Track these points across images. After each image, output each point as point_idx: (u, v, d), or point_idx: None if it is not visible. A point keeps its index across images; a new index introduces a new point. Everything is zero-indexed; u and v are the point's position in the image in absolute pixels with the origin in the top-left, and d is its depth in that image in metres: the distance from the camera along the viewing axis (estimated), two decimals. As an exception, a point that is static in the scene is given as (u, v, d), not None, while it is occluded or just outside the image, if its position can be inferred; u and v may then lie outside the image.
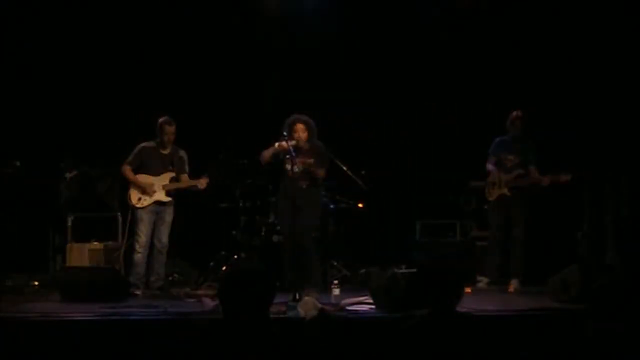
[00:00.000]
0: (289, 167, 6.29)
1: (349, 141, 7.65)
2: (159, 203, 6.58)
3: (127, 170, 6.58)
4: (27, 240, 7.52)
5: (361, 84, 8.11)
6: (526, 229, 6.72)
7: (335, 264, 7.27)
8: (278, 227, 6.96)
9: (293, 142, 6.20)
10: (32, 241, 7.57)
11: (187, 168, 6.72)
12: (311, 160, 6.32)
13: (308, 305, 5.01)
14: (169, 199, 6.62)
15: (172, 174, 6.66)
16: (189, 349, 2.94)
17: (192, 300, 6.03)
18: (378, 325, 4.81)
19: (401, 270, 5.56)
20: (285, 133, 6.24)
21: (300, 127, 6.30)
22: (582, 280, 5.55)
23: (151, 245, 6.57)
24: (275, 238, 7.03)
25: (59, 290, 6.04)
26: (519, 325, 4.87)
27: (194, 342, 2.92)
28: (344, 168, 6.57)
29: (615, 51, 7.17)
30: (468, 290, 5.59)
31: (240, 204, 7.41)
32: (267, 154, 6.32)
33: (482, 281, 6.81)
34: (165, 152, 6.65)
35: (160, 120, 6.59)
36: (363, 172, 6.91)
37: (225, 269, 6.84)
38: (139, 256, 6.51)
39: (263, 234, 7.17)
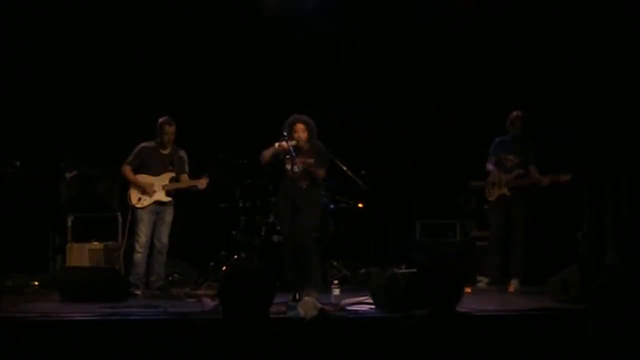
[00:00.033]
0: (289, 167, 6.30)
1: (349, 141, 7.65)
2: (159, 203, 6.58)
3: (127, 170, 6.59)
4: (27, 240, 7.52)
5: (361, 84, 8.11)
6: (526, 229, 6.72)
7: (335, 264, 7.27)
8: (278, 227, 6.96)
9: (293, 142, 6.20)
10: (32, 241, 7.57)
11: (187, 168, 6.72)
12: (311, 160, 6.33)
13: (308, 305, 5.01)
14: (169, 199, 6.62)
15: (172, 174, 6.66)
16: (189, 349, 2.94)
17: (192, 300, 6.03)
18: (378, 325, 4.81)
19: (401, 270, 5.56)
20: (285, 133, 6.24)
21: (300, 127, 6.30)
22: (582, 280, 5.55)
23: (151, 245, 6.57)
24: (275, 238, 7.03)
25: (59, 290, 6.04)
26: (519, 325, 4.87)
27: (194, 342, 2.92)
28: (344, 168, 6.57)
29: (615, 51, 7.17)
30: (468, 290, 5.59)
31: (240, 204, 7.40)
32: (267, 154, 6.33)
33: (482, 281, 6.81)
34: (165, 152, 6.65)
35: (160, 120, 6.59)
36: (363, 172, 6.91)
37: (225, 269, 6.84)
38: (139, 256, 6.51)
39: (263, 234, 7.17)
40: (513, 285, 6.61)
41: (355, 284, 6.84)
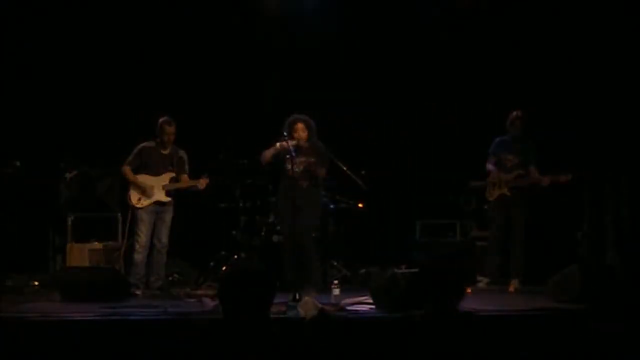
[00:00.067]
0: (289, 166, 6.29)
1: (349, 141, 7.65)
2: (158, 203, 6.58)
3: (127, 170, 6.58)
4: (27, 240, 7.52)
5: (361, 84, 8.11)
6: (526, 229, 6.72)
7: (335, 264, 7.27)
8: (278, 227, 6.96)
9: (294, 142, 6.20)
10: (32, 241, 7.57)
11: (187, 168, 6.72)
12: (312, 160, 6.33)
13: (308, 305, 5.01)
14: (169, 199, 6.62)
15: (172, 174, 6.66)
16: (189, 349, 2.94)
17: (192, 300, 6.03)
18: (378, 325, 4.81)
19: (401, 270, 5.56)
20: (285, 133, 6.24)
21: (300, 126, 6.30)
22: (582, 280, 5.55)
23: (151, 245, 6.57)
24: (275, 238, 7.03)
25: (59, 290, 6.04)
26: (519, 325, 4.86)
27: (194, 342, 2.92)
28: (344, 168, 6.57)
29: (615, 51, 7.17)
30: (468, 290, 5.58)
31: (240, 204, 7.41)
32: (268, 154, 6.32)
33: (482, 281, 6.81)
34: (165, 152, 6.65)
35: (160, 120, 6.59)
36: (363, 172, 6.91)
37: (225, 269, 6.84)
38: (139, 256, 6.51)
39: (263, 234, 7.17)
40: (513, 285, 6.61)
41: (355, 284, 6.85)
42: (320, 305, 5.04)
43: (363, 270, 7.12)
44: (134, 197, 6.55)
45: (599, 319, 4.88)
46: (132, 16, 7.80)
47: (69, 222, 7.41)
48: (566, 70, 7.50)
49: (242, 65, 8.08)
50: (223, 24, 7.99)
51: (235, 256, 7.12)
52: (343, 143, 7.05)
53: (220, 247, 7.32)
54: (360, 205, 7.61)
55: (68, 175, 7.62)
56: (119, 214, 7.30)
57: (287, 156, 6.23)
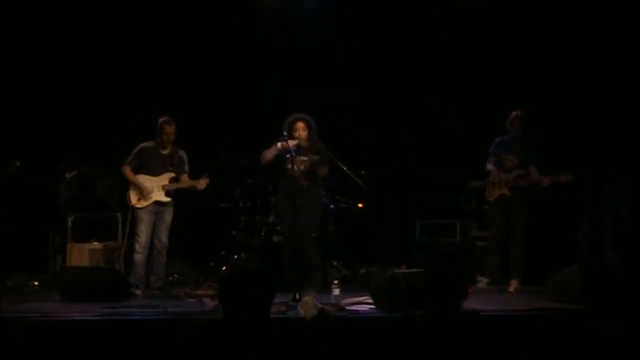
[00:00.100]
0: (289, 166, 6.29)
1: (349, 141, 7.65)
2: (158, 203, 6.58)
3: (127, 170, 6.58)
4: (27, 240, 7.52)
5: (361, 84, 8.11)
6: (526, 229, 6.72)
7: (335, 264, 7.27)
8: (278, 227, 6.96)
9: (295, 142, 6.19)
10: (32, 241, 7.57)
11: (187, 168, 6.72)
12: (316, 158, 6.31)
13: (308, 305, 5.01)
14: (169, 199, 6.61)
15: (172, 174, 6.65)
16: (189, 349, 2.94)
17: (192, 300, 6.03)
18: (378, 325, 4.81)
19: (401, 270, 5.56)
20: (285, 133, 6.24)
21: (300, 125, 6.30)
22: (582, 280, 5.55)
23: (151, 246, 6.57)
24: (275, 238, 7.04)
25: (59, 290, 6.04)
26: (519, 325, 4.87)
27: (194, 342, 2.92)
28: (344, 168, 6.57)
29: (615, 51, 7.17)
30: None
31: (240, 204, 7.41)
32: (269, 154, 6.31)
33: (482, 281, 6.80)
34: (165, 152, 6.65)
35: (160, 120, 6.59)
36: (363, 172, 6.90)
37: (225, 269, 6.84)
38: (139, 256, 6.51)
39: (263, 234, 7.17)
40: (513, 285, 6.61)
41: (355, 284, 6.84)
42: (320, 305, 5.04)
43: (363, 270, 7.11)
44: (133, 197, 6.55)
45: (599, 319, 4.88)
46: (132, 16, 7.80)
47: (69, 222, 7.41)
48: (566, 70, 7.50)
49: (242, 65, 8.08)
50: (223, 24, 7.99)
51: (235, 256, 7.12)
52: (343, 143, 7.05)
53: (220, 247, 7.32)
54: (360, 205, 7.61)
55: (68, 175, 7.62)
56: (119, 214, 7.30)
57: (288, 156, 6.23)
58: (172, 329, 4.68)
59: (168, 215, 6.62)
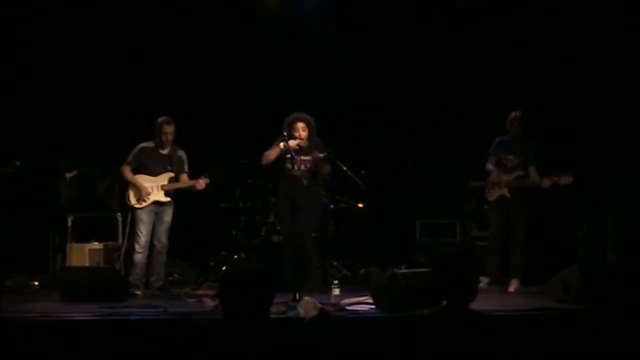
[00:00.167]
0: (289, 166, 6.30)
1: (349, 141, 7.65)
2: (157, 203, 6.58)
3: (127, 170, 6.58)
4: (27, 240, 7.52)
5: (361, 84, 8.11)
6: (526, 229, 6.71)
7: (335, 264, 7.27)
8: (278, 227, 6.96)
9: (297, 142, 6.19)
10: (32, 241, 7.58)
11: (186, 168, 6.71)
12: (321, 155, 6.29)
13: (308, 305, 5.01)
14: (168, 199, 6.61)
15: (171, 174, 6.65)
16: (189, 349, 2.94)
17: (192, 300, 6.03)
18: (378, 325, 4.81)
19: (401, 270, 5.56)
20: (285, 133, 6.23)
21: (300, 125, 6.30)
22: (582, 280, 5.55)
23: (151, 246, 6.57)
24: (275, 238, 7.04)
25: (59, 290, 6.04)
26: (519, 325, 4.87)
27: (194, 342, 2.92)
28: (344, 168, 6.57)
29: (615, 51, 7.17)
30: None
31: (240, 204, 7.41)
32: (271, 154, 6.29)
33: (482, 281, 6.79)
34: (165, 152, 6.64)
35: (159, 120, 6.59)
36: (363, 172, 6.91)
37: (225, 269, 6.84)
38: (139, 256, 6.50)
39: (263, 234, 7.17)
40: (513, 285, 6.61)
41: (355, 284, 6.84)
42: (320, 305, 5.04)
43: (363, 270, 7.12)
44: (132, 197, 6.55)
45: (599, 319, 4.88)
46: (132, 16, 7.80)
47: (69, 222, 7.41)
48: (566, 70, 7.49)
49: (242, 65, 8.08)
50: (223, 24, 7.99)
51: (235, 256, 7.12)
52: (343, 143, 7.05)
53: (220, 247, 7.32)
54: (360, 205, 7.61)
55: (68, 175, 7.62)
56: (119, 214, 7.31)
57: (288, 156, 6.23)
58: (172, 329, 4.68)
59: (167, 216, 6.61)
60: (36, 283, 6.86)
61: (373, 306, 5.35)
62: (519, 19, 7.66)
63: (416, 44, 8.04)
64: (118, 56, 7.93)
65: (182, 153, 6.71)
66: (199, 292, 6.51)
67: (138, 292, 6.35)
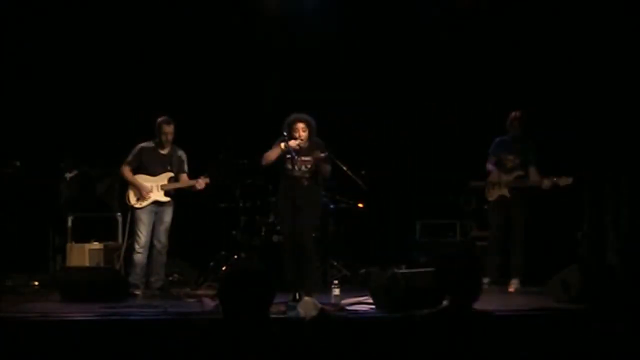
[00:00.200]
0: (289, 166, 6.30)
1: (349, 141, 7.65)
2: (157, 203, 6.58)
3: (126, 170, 6.58)
4: (27, 240, 7.52)
5: (361, 84, 8.11)
6: (526, 229, 6.71)
7: (335, 264, 7.27)
8: (278, 227, 6.96)
9: (297, 142, 6.18)
10: (32, 241, 7.58)
11: (186, 168, 6.71)
12: (322, 155, 6.28)
13: (308, 305, 5.01)
14: (168, 199, 6.61)
15: (171, 174, 6.65)
16: (189, 349, 2.94)
17: (192, 300, 6.03)
18: (378, 325, 4.81)
19: (401, 270, 5.56)
20: (285, 133, 6.23)
21: (300, 125, 6.29)
22: (582, 280, 5.55)
23: (151, 246, 6.57)
24: (275, 238, 7.04)
25: (59, 290, 6.04)
26: (519, 325, 4.87)
27: (194, 342, 2.92)
28: (344, 168, 6.58)
29: (615, 51, 7.17)
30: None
31: (240, 204, 7.41)
32: (272, 155, 6.27)
33: (483, 281, 6.79)
34: (164, 152, 6.64)
35: (159, 120, 6.59)
36: (363, 172, 6.91)
37: (225, 269, 6.84)
38: (139, 256, 6.50)
39: (263, 234, 7.17)
40: (513, 285, 6.61)
41: (355, 284, 6.85)
42: (320, 305, 5.04)
43: (363, 270, 7.12)
44: (132, 197, 6.55)
45: (599, 319, 4.88)
46: (132, 16, 7.80)
47: (69, 222, 7.42)
48: (566, 70, 7.49)
49: (242, 65, 8.08)
50: (223, 24, 7.99)
51: (235, 256, 7.12)
52: (343, 143, 7.05)
53: (220, 247, 7.32)
54: (360, 205, 7.61)
55: (68, 175, 7.62)
56: (119, 214, 7.31)
57: (288, 156, 6.23)
58: (172, 329, 4.67)
59: (167, 216, 6.61)
60: (36, 283, 6.86)
61: (373, 306, 5.35)
62: (519, 19, 7.66)
63: (416, 44, 8.04)
64: (118, 56, 7.94)
65: (181, 153, 6.71)
66: (199, 292, 6.51)
67: (138, 292, 6.35)
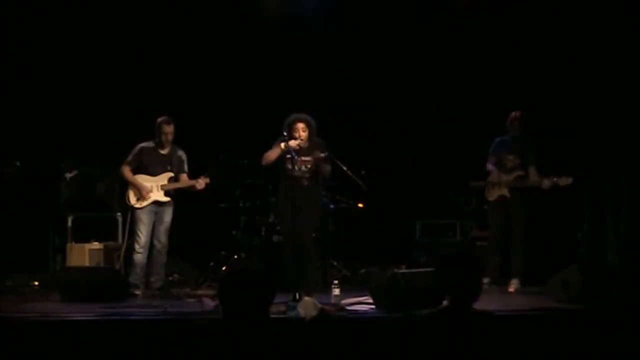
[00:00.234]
0: (289, 166, 6.30)
1: (349, 141, 7.65)
2: (157, 203, 6.58)
3: (126, 170, 6.58)
4: (27, 240, 7.52)
5: (361, 84, 8.11)
6: (526, 229, 6.71)
7: (335, 264, 7.27)
8: (278, 227, 6.96)
9: (297, 142, 6.18)
10: (32, 241, 7.58)
11: (186, 168, 6.71)
12: (322, 155, 6.28)
13: (308, 305, 5.01)
14: (168, 199, 6.61)
15: (171, 174, 6.65)
16: (189, 349, 2.94)
17: (192, 300, 6.03)
18: (378, 325, 4.81)
19: (401, 270, 5.56)
20: (285, 133, 6.23)
21: (300, 126, 6.28)
22: (582, 280, 5.55)
23: (151, 246, 6.57)
24: (275, 238, 7.04)
25: (59, 290, 6.04)
26: (519, 325, 4.87)
27: (194, 342, 2.92)
28: (344, 168, 6.58)
29: (615, 51, 7.17)
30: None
31: (240, 204, 7.41)
32: (272, 155, 6.27)
33: (483, 281, 6.79)
34: (164, 152, 6.64)
35: (159, 120, 6.59)
36: (363, 172, 6.91)
37: (225, 269, 6.84)
38: (139, 256, 6.50)
39: (263, 234, 7.17)
40: (513, 285, 6.61)
41: (355, 284, 6.85)
42: (320, 305, 5.04)
43: (363, 270, 7.12)
44: (132, 197, 6.55)
45: (599, 319, 4.88)
46: (132, 16, 7.80)
47: (69, 222, 7.42)
48: (566, 70, 7.49)
49: (242, 65, 8.08)
50: (223, 24, 7.99)
51: (235, 256, 7.12)
52: (343, 143, 7.05)
53: (220, 247, 7.32)
54: (360, 205, 7.61)
55: (68, 175, 7.62)
56: (119, 214, 7.31)
57: (288, 156, 6.23)
58: (172, 329, 4.67)
59: (167, 216, 6.61)
60: (36, 283, 6.86)
61: (373, 306, 5.35)
62: (519, 19, 7.66)
63: (416, 44, 8.04)
64: (118, 56, 7.94)
65: (181, 153, 6.71)
66: (199, 292, 6.51)
67: (138, 292, 6.35)
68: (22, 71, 7.74)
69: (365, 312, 5.27)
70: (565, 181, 6.42)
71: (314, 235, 6.50)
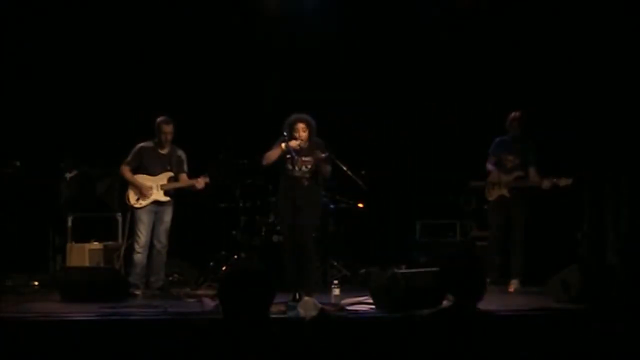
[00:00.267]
0: (290, 166, 6.29)
1: (349, 141, 7.65)
2: (157, 203, 6.58)
3: (126, 170, 6.58)
4: (27, 240, 7.52)
5: (361, 84, 8.11)
6: (526, 229, 6.71)
7: (335, 264, 7.27)
8: (278, 227, 6.96)
9: (298, 142, 6.18)
10: (32, 241, 7.58)
11: (185, 168, 6.71)
12: (323, 155, 6.28)
13: (308, 305, 5.01)
14: (168, 198, 6.61)
15: (171, 174, 6.65)
16: (189, 349, 2.94)
17: (192, 300, 6.03)
18: (378, 325, 4.81)
19: (401, 270, 5.56)
20: (285, 133, 6.23)
21: (300, 126, 6.28)
22: (582, 280, 5.55)
23: (151, 246, 6.57)
24: (275, 238, 7.04)
25: (59, 290, 6.04)
26: (519, 325, 4.86)
27: (194, 342, 2.92)
28: (344, 168, 6.57)
29: (615, 51, 7.17)
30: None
31: (240, 204, 7.41)
32: (272, 155, 6.26)
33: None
34: (164, 152, 6.64)
35: (158, 119, 6.59)
36: (363, 172, 6.91)
37: (225, 269, 6.84)
38: (139, 256, 6.50)
39: (263, 234, 7.17)
40: (513, 285, 6.61)
41: (355, 284, 6.85)
42: (320, 305, 5.04)
43: (363, 270, 7.12)
44: (132, 197, 6.55)
45: (599, 319, 4.88)
46: (132, 16, 7.80)
47: (69, 222, 7.41)
48: (566, 70, 7.49)
49: (242, 65, 8.08)
50: (223, 24, 7.99)
51: (235, 256, 7.12)
52: (343, 143, 7.05)
53: (220, 247, 7.32)
54: (360, 205, 7.61)
55: (68, 175, 7.62)
56: (119, 214, 7.31)
57: (288, 156, 6.23)
58: (172, 329, 4.68)
59: (167, 216, 6.61)
60: (36, 283, 6.86)
61: (373, 306, 5.35)
62: (519, 19, 7.66)
63: (416, 44, 8.04)
64: (118, 56, 7.94)
65: (181, 153, 6.71)
66: (199, 292, 6.51)
67: (138, 292, 6.35)
68: (22, 71, 7.74)
69: (365, 312, 5.27)
70: (565, 182, 6.42)
71: (314, 235, 6.50)
